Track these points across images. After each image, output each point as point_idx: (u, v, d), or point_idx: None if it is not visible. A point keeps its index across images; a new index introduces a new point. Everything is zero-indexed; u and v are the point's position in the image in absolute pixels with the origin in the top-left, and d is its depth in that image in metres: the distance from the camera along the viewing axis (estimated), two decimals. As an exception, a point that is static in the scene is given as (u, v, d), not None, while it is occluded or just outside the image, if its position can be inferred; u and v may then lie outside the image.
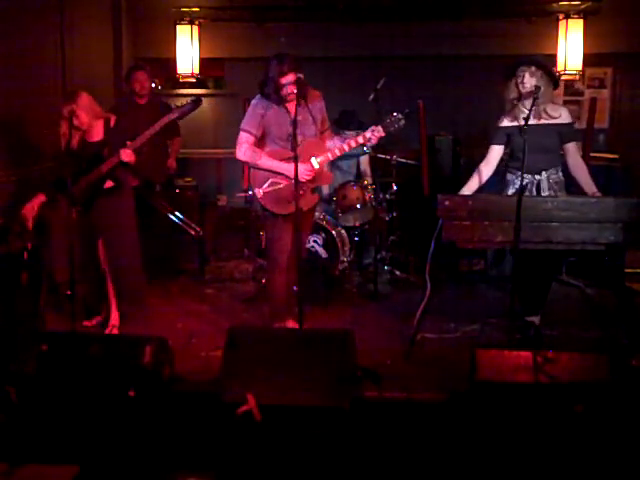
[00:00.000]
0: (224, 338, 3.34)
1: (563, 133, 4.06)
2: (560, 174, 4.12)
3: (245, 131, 4.02)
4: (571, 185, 4.15)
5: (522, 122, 3.68)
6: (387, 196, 5.51)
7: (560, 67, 6.24)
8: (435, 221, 3.87)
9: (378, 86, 5.09)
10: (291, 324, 4.16)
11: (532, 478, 2.82)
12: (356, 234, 5.49)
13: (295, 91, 3.80)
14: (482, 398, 3.07)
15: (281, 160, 3.95)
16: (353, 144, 4.03)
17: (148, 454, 2.96)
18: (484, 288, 5.45)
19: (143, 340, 3.32)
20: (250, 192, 5.79)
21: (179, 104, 4.30)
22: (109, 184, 4.23)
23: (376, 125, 4.01)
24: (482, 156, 4.23)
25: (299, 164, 3.70)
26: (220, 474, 2.92)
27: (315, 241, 5.13)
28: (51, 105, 4.85)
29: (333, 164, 5.49)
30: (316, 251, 5.13)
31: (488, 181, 4.18)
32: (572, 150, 4.10)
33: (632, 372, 3.33)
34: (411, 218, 5.86)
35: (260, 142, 4.05)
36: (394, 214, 5.61)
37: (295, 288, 4.14)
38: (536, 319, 4.20)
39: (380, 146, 5.32)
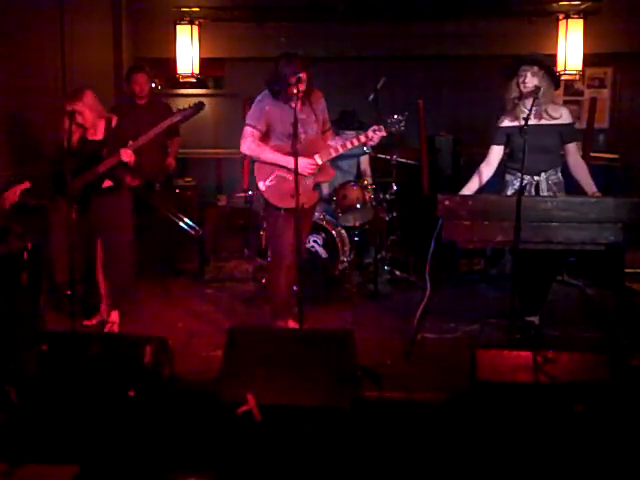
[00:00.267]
0: (224, 338, 3.35)
1: (564, 133, 4.06)
2: (559, 175, 4.12)
3: (250, 125, 4.04)
4: (571, 185, 4.15)
5: (522, 122, 3.68)
6: (387, 196, 5.51)
7: (560, 67, 6.24)
8: (435, 221, 3.87)
9: (378, 86, 5.09)
10: (292, 324, 4.16)
11: (532, 478, 2.82)
12: (356, 234, 5.49)
13: (303, 90, 3.87)
14: (482, 398, 3.07)
15: (285, 154, 3.98)
16: (356, 142, 4.08)
17: (148, 454, 2.96)
18: (484, 288, 5.45)
19: (143, 340, 3.32)
20: (250, 192, 5.84)
21: (181, 107, 4.30)
22: (108, 183, 4.24)
23: (378, 125, 4.04)
24: (482, 156, 4.23)
25: (302, 158, 3.84)
26: (220, 474, 2.91)
27: (315, 241, 5.13)
28: (51, 105, 4.86)
29: (333, 164, 5.49)
30: (316, 251, 5.13)
31: (488, 182, 4.18)
32: (573, 150, 4.10)
33: (632, 372, 3.33)
34: (411, 218, 5.86)
35: (265, 138, 4.08)
36: (394, 214, 5.60)
37: (295, 288, 4.14)
38: (536, 319, 4.20)
39: (380, 146, 5.33)
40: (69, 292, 3.86)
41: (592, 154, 5.93)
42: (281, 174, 4.02)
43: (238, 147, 6.13)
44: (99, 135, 4.24)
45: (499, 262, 5.65)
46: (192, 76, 6.56)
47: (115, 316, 4.40)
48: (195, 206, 6.28)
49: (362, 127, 5.38)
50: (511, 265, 4.01)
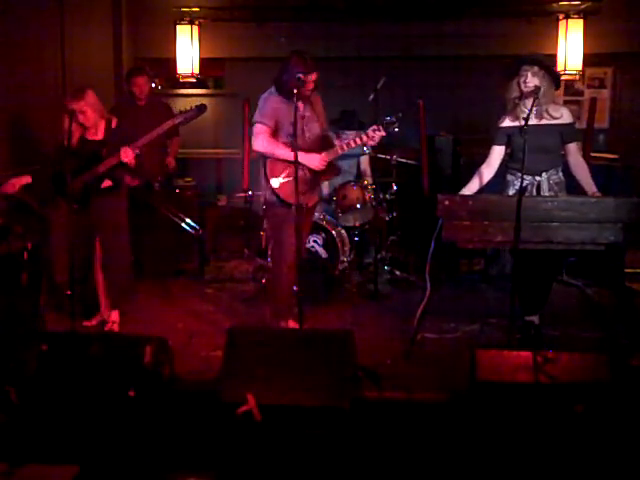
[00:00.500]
0: (224, 338, 3.34)
1: (565, 133, 4.06)
2: (560, 174, 4.12)
3: (261, 123, 4.03)
4: (571, 185, 4.15)
5: (523, 122, 3.68)
6: (387, 196, 5.51)
7: (560, 67, 6.24)
8: (435, 221, 3.87)
9: (378, 86, 5.09)
10: (292, 324, 4.16)
11: (532, 478, 2.82)
12: (356, 234, 5.49)
13: (312, 89, 3.95)
14: (482, 398, 3.07)
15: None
16: (358, 142, 4.12)
17: (148, 454, 2.96)
18: (484, 288, 5.45)
19: (143, 340, 3.32)
20: (250, 192, 5.85)
21: (183, 109, 4.30)
22: (107, 183, 4.24)
23: (377, 125, 4.06)
24: (482, 156, 4.23)
25: (314, 155, 4.00)
26: (220, 474, 2.91)
27: (315, 241, 5.13)
28: (51, 105, 4.86)
29: (333, 164, 5.50)
30: (316, 251, 5.13)
31: (489, 182, 4.18)
32: (573, 150, 4.10)
33: (632, 372, 3.33)
34: (411, 218, 5.86)
35: (273, 135, 4.08)
36: (394, 214, 5.61)
37: (295, 288, 4.14)
38: (536, 319, 4.19)
39: (380, 146, 5.33)
40: (69, 292, 3.86)
41: (592, 154, 5.93)
42: (293, 171, 4.03)
43: (238, 147, 6.14)
44: (99, 135, 4.24)
45: (497, 261, 5.65)
46: (192, 76, 6.56)
47: (115, 316, 4.41)
48: (195, 206, 6.27)
49: (362, 127, 5.38)
50: (511, 265, 4.01)
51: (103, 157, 4.14)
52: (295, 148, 3.75)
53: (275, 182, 4.03)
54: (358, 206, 5.34)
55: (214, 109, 6.95)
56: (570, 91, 6.77)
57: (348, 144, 4.11)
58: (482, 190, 4.17)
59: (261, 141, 4.01)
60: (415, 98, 5.93)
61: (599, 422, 2.94)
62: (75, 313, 3.87)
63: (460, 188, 4.17)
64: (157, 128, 4.21)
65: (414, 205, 5.87)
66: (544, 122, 4.04)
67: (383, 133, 4.04)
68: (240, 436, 3.02)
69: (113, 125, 4.26)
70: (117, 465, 2.90)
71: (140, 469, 2.88)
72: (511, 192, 4.11)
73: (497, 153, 4.16)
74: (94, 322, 4.47)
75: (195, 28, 6.51)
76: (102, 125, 4.23)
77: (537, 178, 4.06)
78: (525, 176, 3.93)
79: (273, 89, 4.07)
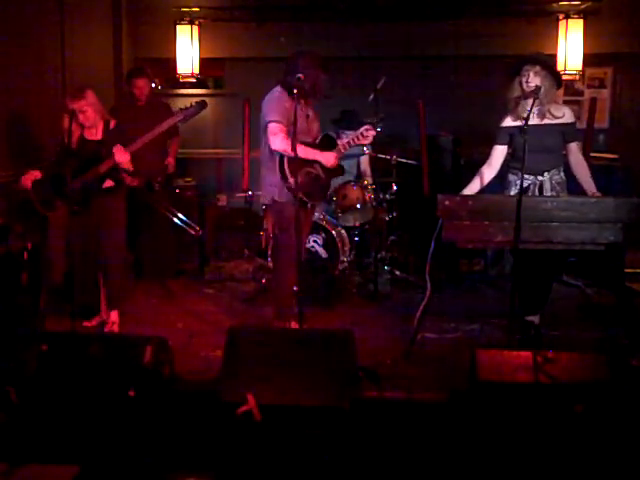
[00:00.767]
0: (224, 338, 3.34)
1: (566, 133, 4.06)
2: (562, 174, 4.12)
3: (277, 122, 4.00)
4: (572, 185, 4.15)
5: (524, 122, 3.68)
6: (387, 196, 5.51)
7: (560, 67, 6.23)
8: (435, 221, 3.87)
9: (378, 86, 5.09)
10: (293, 325, 4.15)
11: (532, 478, 2.82)
12: (356, 234, 5.49)
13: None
14: (482, 398, 3.07)
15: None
16: (356, 141, 4.23)
17: (148, 454, 2.96)
18: (484, 288, 5.45)
19: (143, 340, 3.32)
20: (250, 192, 5.84)
21: (183, 106, 4.30)
22: (109, 184, 4.24)
23: (368, 125, 4.27)
24: (482, 156, 4.23)
25: (329, 153, 4.14)
26: (220, 474, 2.91)
27: (315, 241, 5.13)
28: (51, 105, 4.86)
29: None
30: (316, 251, 5.13)
31: (490, 182, 4.18)
32: (574, 149, 4.10)
33: (632, 372, 3.32)
34: (411, 218, 5.86)
35: None
36: (394, 214, 5.61)
37: (295, 288, 4.13)
38: (536, 319, 4.19)
39: (380, 146, 5.34)
40: (68, 292, 3.86)
41: (592, 154, 5.93)
42: (309, 169, 4.08)
43: (238, 147, 6.14)
44: (98, 135, 4.24)
45: (500, 262, 5.65)
46: (192, 76, 6.56)
47: (115, 316, 4.40)
48: (195, 206, 6.27)
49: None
50: (511, 265, 4.01)
51: (103, 157, 4.14)
52: (309, 146, 3.89)
53: (293, 181, 4.02)
54: (358, 206, 5.34)
55: (214, 109, 6.95)
56: (570, 91, 6.76)
57: (348, 143, 4.21)
58: (483, 190, 4.18)
59: (281, 140, 3.97)
60: (415, 98, 5.94)
61: (599, 422, 2.94)
62: (75, 313, 3.87)
63: (460, 188, 4.17)
64: (156, 127, 4.20)
65: (414, 205, 5.87)
66: (546, 122, 4.04)
67: (374, 132, 4.22)
68: (240, 436, 3.02)
69: (111, 126, 4.25)
70: (117, 465, 2.91)
71: (140, 469, 2.88)
72: (513, 192, 4.10)
73: (498, 153, 4.15)
74: (94, 323, 4.47)
75: (195, 28, 6.51)
76: (101, 125, 4.23)
77: (539, 178, 4.05)
78: (527, 176, 3.93)
79: (280, 88, 4.06)
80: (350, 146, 4.25)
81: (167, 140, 5.66)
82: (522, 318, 4.15)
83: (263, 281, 5.40)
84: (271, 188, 4.13)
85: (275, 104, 4.05)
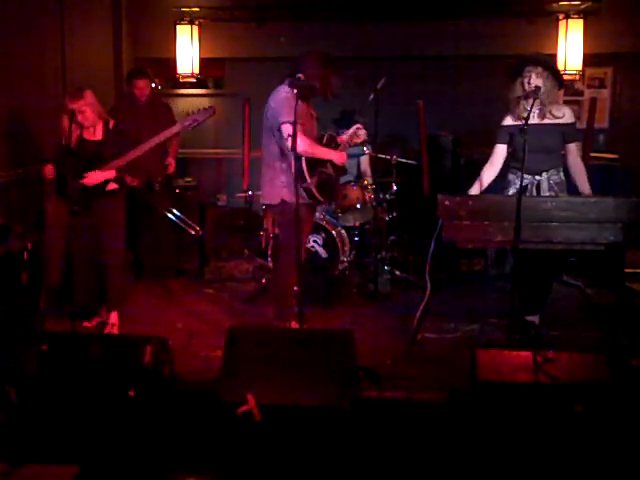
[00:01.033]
0: (224, 338, 3.34)
1: (566, 133, 4.06)
2: (561, 174, 4.12)
3: (292, 123, 3.83)
4: (572, 185, 4.15)
5: (524, 122, 3.68)
6: (387, 196, 5.51)
7: (560, 67, 6.23)
8: (435, 221, 3.87)
9: (378, 86, 5.09)
10: (294, 324, 4.15)
11: (532, 478, 2.82)
12: (356, 234, 5.49)
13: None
14: (482, 398, 3.07)
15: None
16: (353, 139, 4.31)
17: (148, 454, 2.96)
18: (484, 288, 5.45)
19: (143, 340, 3.32)
20: (250, 192, 5.85)
21: (190, 112, 4.28)
22: (113, 186, 4.22)
23: (358, 124, 4.35)
24: (482, 156, 4.24)
25: (340, 152, 4.21)
26: (220, 474, 2.91)
27: (315, 241, 5.13)
28: (51, 105, 4.86)
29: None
30: (316, 251, 5.13)
31: (491, 182, 4.19)
32: (573, 150, 4.10)
33: (632, 372, 3.32)
34: (411, 218, 5.86)
35: None
36: (394, 214, 5.61)
37: (295, 288, 4.13)
38: (536, 319, 4.19)
39: (380, 146, 5.34)
40: (67, 292, 3.86)
41: (592, 154, 5.93)
42: (322, 169, 4.10)
43: (238, 147, 6.13)
44: (97, 136, 4.23)
45: (502, 262, 5.65)
46: (192, 76, 6.56)
47: (114, 318, 4.38)
48: (195, 206, 6.27)
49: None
50: (511, 265, 4.01)
51: (103, 158, 4.14)
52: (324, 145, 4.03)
53: (310, 181, 3.99)
54: (358, 206, 5.34)
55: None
56: (570, 91, 6.76)
57: (348, 142, 4.27)
58: (487, 189, 4.18)
59: (304, 141, 3.92)
60: (415, 98, 5.94)
61: (599, 422, 2.94)
62: (75, 314, 3.87)
63: (460, 188, 4.18)
64: (159, 135, 4.20)
65: (414, 205, 5.87)
66: (546, 122, 4.04)
67: (364, 130, 4.33)
68: (240, 436, 3.02)
69: (110, 126, 4.25)
70: (117, 465, 2.91)
71: (140, 469, 2.88)
72: (511, 191, 4.12)
73: (500, 151, 4.17)
74: (94, 323, 4.46)
75: (195, 28, 6.51)
76: (100, 126, 4.23)
77: (537, 178, 4.06)
78: (525, 175, 3.93)
79: (288, 88, 3.96)
80: (350, 145, 4.30)
81: (167, 140, 5.66)
82: (522, 318, 4.15)
83: (263, 281, 5.41)
84: (280, 189, 4.05)
85: (288, 104, 3.91)
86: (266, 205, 4.42)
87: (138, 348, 3.25)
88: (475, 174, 4.21)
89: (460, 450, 2.93)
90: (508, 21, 6.57)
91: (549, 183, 4.06)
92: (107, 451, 2.97)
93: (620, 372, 3.10)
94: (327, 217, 5.26)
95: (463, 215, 3.74)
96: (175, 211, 5.61)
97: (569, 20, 6.26)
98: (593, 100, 6.19)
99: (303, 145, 3.90)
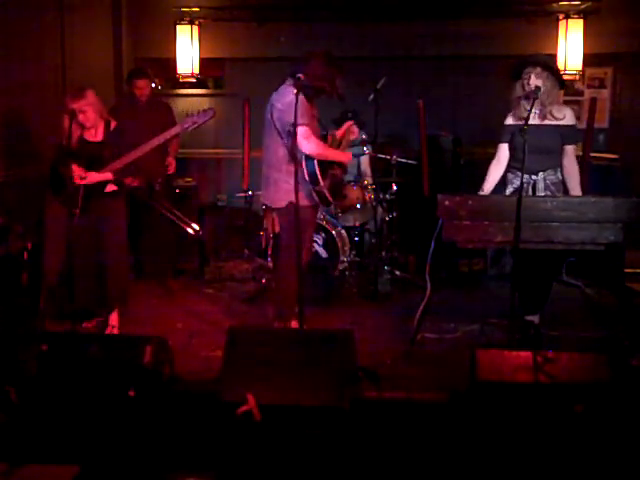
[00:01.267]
0: (224, 338, 3.34)
1: (565, 135, 4.08)
2: (559, 175, 4.13)
3: (308, 125, 3.89)
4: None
5: (524, 122, 3.69)
6: (387, 196, 5.51)
7: (560, 67, 6.23)
8: (435, 221, 3.87)
9: (378, 86, 5.09)
10: (294, 324, 4.15)
11: (532, 478, 2.82)
12: (356, 234, 5.49)
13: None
14: (482, 398, 3.07)
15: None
16: (350, 137, 4.45)
17: (148, 454, 2.96)
18: (484, 288, 5.45)
19: (143, 340, 3.32)
20: (250, 192, 5.85)
21: (190, 113, 4.27)
22: (112, 188, 4.22)
23: (349, 121, 4.48)
24: (482, 156, 4.25)
25: (347, 152, 4.30)
26: (220, 474, 2.91)
27: (315, 241, 5.13)
28: (51, 105, 4.85)
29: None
30: (316, 251, 5.13)
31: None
32: (569, 152, 4.12)
33: (632, 372, 3.32)
34: (411, 218, 5.86)
35: None
36: (394, 214, 5.61)
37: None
38: (536, 319, 4.20)
39: (380, 146, 5.34)
40: (67, 293, 3.86)
41: (592, 154, 5.93)
42: (332, 172, 4.11)
43: (238, 147, 6.13)
44: (98, 137, 4.21)
45: (500, 261, 5.65)
46: (192, 76, 6.56)
47: (114, 319, 4.37)
48: (195, 206, 6.27)
49: (362, 127, 5.40)
50: (511, 265, 4.01)
51: (103, 158, 4.13)
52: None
53: (323, 183, 3.97)
54: (358, 206, 5.34)
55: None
56: (570, 91, 6.75)
57: (346, 140, 4.33)
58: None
59: (317, 143, 3.93)
60: (415, 98, 5.94)
61: (599, 422, 2.94)
62: (75, 314, 3.87)
63: (460, 188, 4.19)
64: (159, 136, 4.19)
65: (414, 205, 5.87)
66: (546, 122, 4.05)
67: (356, 127, 4.47)
68: (240, 436, 3.02)
69: (112, 127, 4.24)
70: (117, 465, 2.91)
71: (140, 469, 2.88)
72: (509, 190, 4.15)
73: (504, 150, 4.21)
74: (94, 323, 4.46)
75: (195, 28, 6.50)
76: (101, 126, 4.22)
77: (533, 177, 4.08)
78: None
79: (293, 88, 3.85)
80: (348, 144, 4.37)
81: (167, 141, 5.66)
82: (522, 318, 4.15)
83: (263, 281, 5.41)
84: (287, 192, 3.91)
85: (301, 106, 3.82)
86: (268, 207, 4.41)
87: (138, 348, 3.25)
88: (475, 174, 4.22)
89: (460, 450, 2.93)
90: (508, 21, 6.56)
91: (545, 183, 4.08)
92: (107, 451, 2.97)
93: (620, 372, 3.11)
94: (327, 217, 5.26)
95: (463, 215, 3.74)
96: (175, 211, 5.60)
97: (569, 20, 6.26)
98: (593, 100, 6.19)
99: (317, 148, 3.91)
